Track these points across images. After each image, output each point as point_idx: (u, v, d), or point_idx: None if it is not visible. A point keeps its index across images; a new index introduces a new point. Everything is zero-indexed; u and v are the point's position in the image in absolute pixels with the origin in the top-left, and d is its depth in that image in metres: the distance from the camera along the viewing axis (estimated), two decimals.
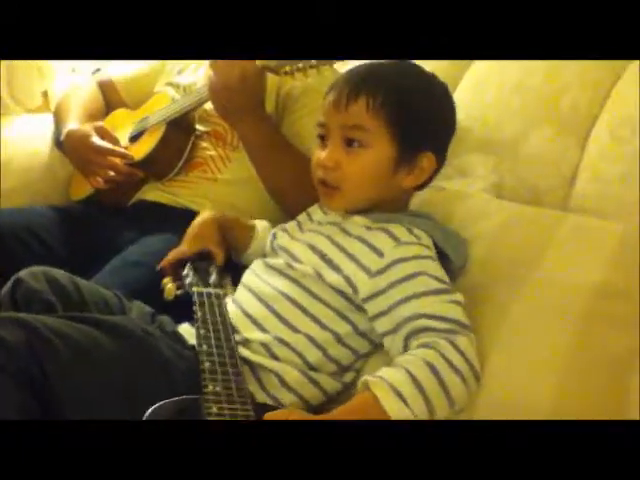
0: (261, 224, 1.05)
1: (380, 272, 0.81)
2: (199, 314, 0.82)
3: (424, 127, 0.87)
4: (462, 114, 1.13)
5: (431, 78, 0.92)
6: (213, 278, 0.92)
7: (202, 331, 0.79)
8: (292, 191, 1.09)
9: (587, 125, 1.02)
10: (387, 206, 0.89)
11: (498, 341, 0.76)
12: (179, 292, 0.92)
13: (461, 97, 1.21)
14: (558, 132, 1.04)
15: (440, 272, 0.81)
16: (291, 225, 0.99)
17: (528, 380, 0.72)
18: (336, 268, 0.84)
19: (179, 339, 0.84)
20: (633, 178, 0.93)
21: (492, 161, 1.09)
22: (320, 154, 0.88)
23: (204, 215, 1.02)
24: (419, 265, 0.80)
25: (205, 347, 0.76)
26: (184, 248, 0.98)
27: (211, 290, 0.89)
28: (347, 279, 0.83)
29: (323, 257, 0.86)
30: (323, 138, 0.89)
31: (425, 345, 0.73)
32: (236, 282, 0.94)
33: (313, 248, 0.88)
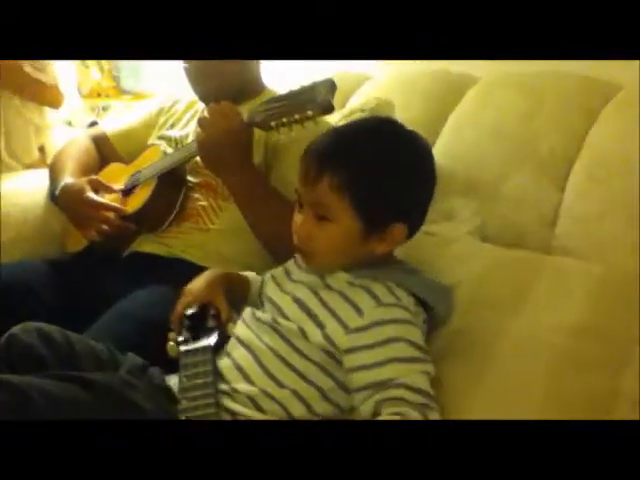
0: (253, 277, 1.06)
1: (358, 330, 0.83)
2: (183, 374, 0.84)
3: (391, 203, 0.86)
4: (444, 158, 1.17)
5: (407, 142, 0.89)
6: (210, 324, 0.93)
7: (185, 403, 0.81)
8: (282, 240, 1.10)
9: (565, 167, 1.06)
10: (368, 262, 0.90)
11: (480, 386, 0.78)
12: (182, 348, 0.92)
13: (443, 142, 1.25)
14: (537, 175, 1.07)
15: (418, 337, 0.83)
16: (279, 272, 1.01)
17: None
18: (319, 324, 0.86)
19: (167, 392, 0.85)
20: (611, 217, 0.95)
21: (475, 204, 1.12)
22: (297, 218, 0.91)
23: (212, 271, 1.03)
24: (398, 330, 0.82)
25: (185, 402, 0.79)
26: (189, 299, 0.97)
27: (198, 345, 0.89)
28: (327, 337, 0.84)
29: (308, 312, 0.88)
30: (299, 204, 0.91)
31: (398, 414, 0.75)
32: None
33: (298, 302, 0.90)
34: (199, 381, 0.82)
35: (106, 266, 1.29)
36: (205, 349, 0.89)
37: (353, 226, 0.86)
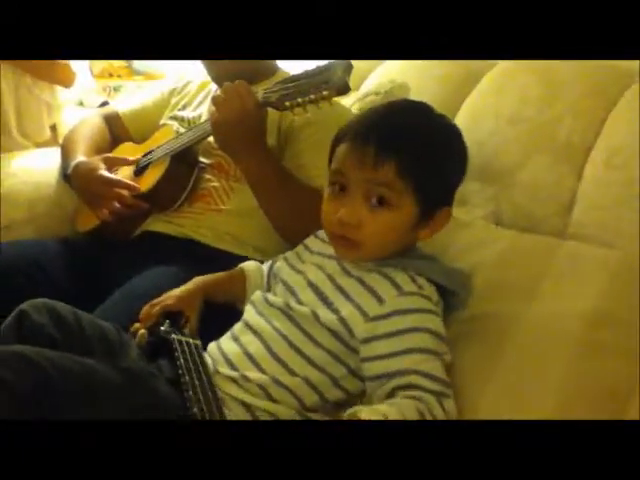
0: (250, 267, 1.05)
1: (378, 318, 0.81)
2: (182, 361, 0.83)
3: (447, 185, 0.87)
4: None
5: (446, 124, 0.90)
6: (187, 331, 0.92)
7: (187, 378, 0.80)
8: (294, 222, 1.10)
9: (582, 154, 1.04)
10: (396, 252, 0.88)
11: (495, 371, 0.77)
12: (151, 339, 0.91)
13: (459, 127, 1.24)
14: (554, 161, 1.06)
15: (439, 326, 0.82)
16: (292, 255, 1.00)
17: (523, 411, 0.73)
18: (333, 309, 0.85)
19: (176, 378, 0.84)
20: (627, 205, 0.94)
21: (490, 189, 1.11)
22: (336, 206, 0.84)
23: (194, 282, 1.01)
24: (420, 319, 0.80)
25: (191, 394, 0.78)
26: (169, 303, 0.96)
27: (190, 340, 0.88)
28: (342, 321, 0.83)
29: (322, 297, 0.86)
30: (340, 187, 0.85)
31: (415, 397, 0.75)
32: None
33: (312, 286, 0.88)
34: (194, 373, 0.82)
35: (117, 245, 1.29)
36: (190, 345, 0.87)
37: (411, 212, 0.83)
